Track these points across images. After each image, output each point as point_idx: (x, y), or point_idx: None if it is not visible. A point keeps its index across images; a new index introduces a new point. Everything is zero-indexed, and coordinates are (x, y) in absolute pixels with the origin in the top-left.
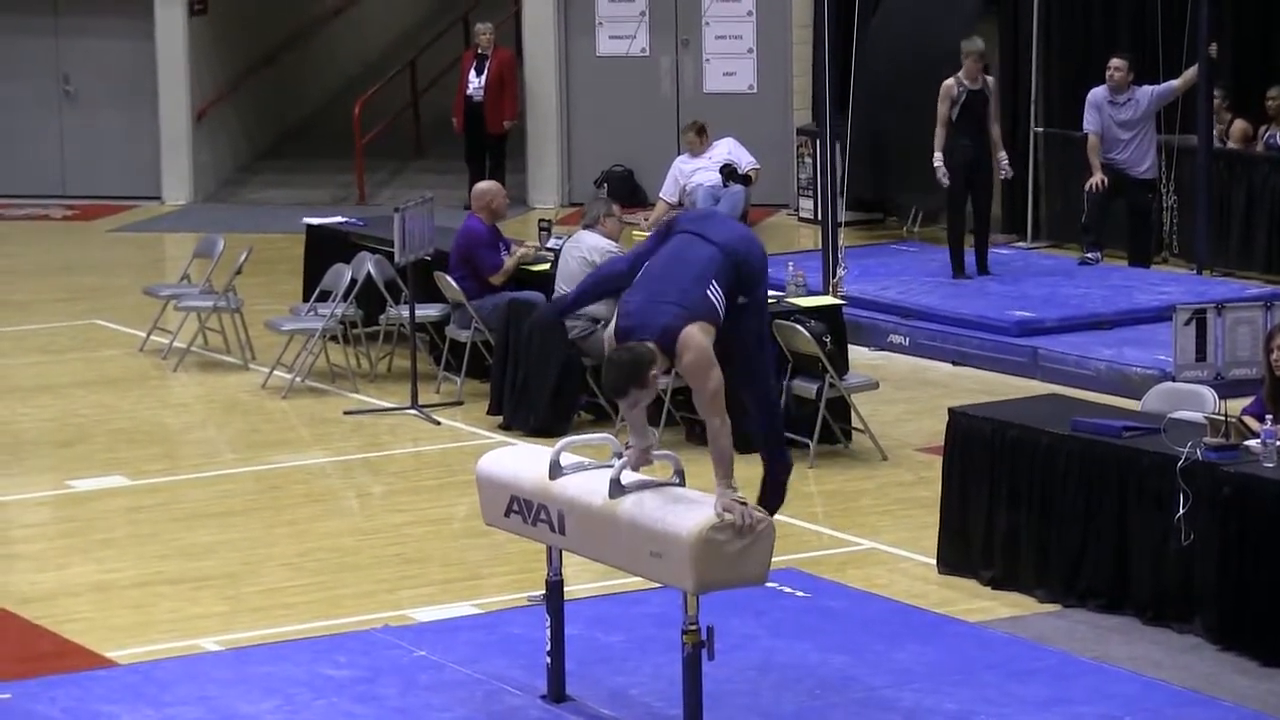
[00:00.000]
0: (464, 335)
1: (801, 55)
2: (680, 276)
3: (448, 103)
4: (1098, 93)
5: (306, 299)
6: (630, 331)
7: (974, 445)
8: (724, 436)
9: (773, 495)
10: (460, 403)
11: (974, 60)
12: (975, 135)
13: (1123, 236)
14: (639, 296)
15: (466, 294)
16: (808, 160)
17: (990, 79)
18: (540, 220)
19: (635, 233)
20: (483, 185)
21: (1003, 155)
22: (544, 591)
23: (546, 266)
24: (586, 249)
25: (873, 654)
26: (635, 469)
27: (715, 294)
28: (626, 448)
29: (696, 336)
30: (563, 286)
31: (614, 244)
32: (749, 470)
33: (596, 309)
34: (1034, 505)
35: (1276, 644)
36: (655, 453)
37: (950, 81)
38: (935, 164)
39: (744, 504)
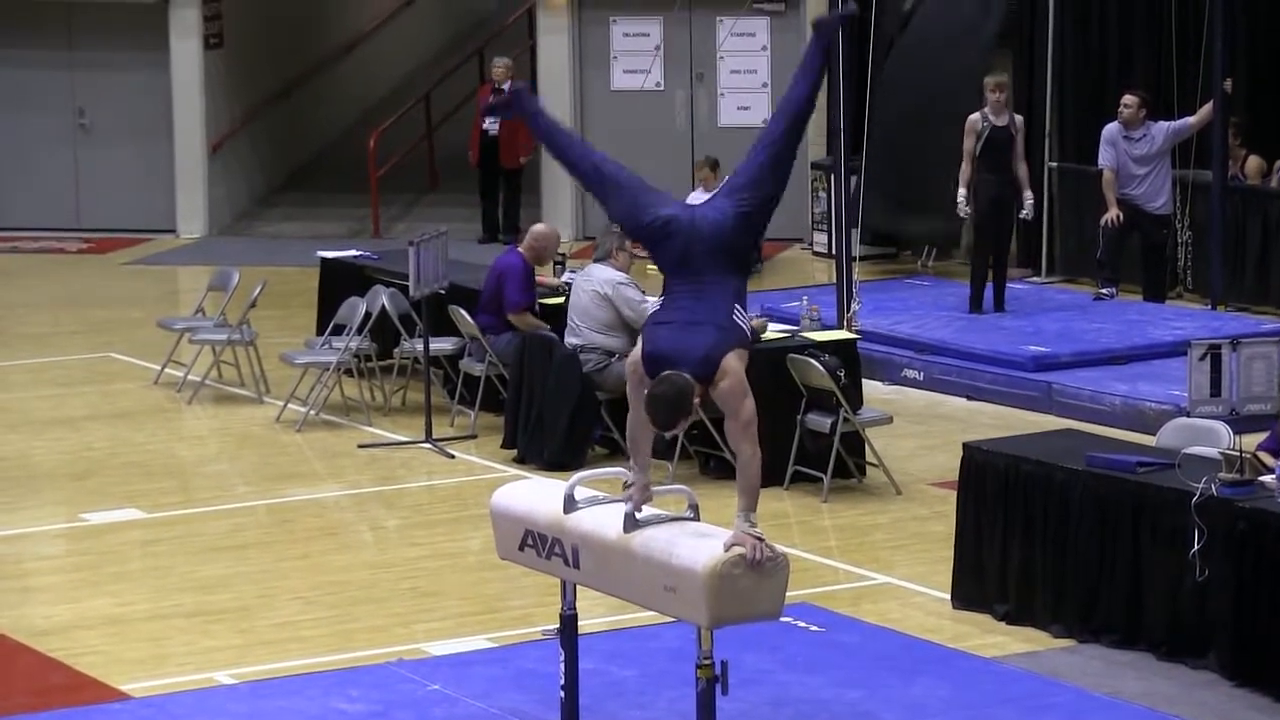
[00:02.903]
0: (478, 369)
1: None
2: (706, 306)
3: (462, 136)
4: (1113, 128)
5: (321, 332)
6: (664, 359)
7: (988, 480)
8: (754, 467)
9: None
10: (474, 436)
11: (994, 91)
12: (999, 171)
13: (1138, 271)
14: (667, 328)
15: (486, 328)
16: (822, 195)
17: (1019, 117)
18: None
19: (648, 267)
20: (544, 229)
21: (1028, 195)
22: (558, 625)
23: (561, 300)
24: (598, 282)
25: (887, 689)
26: (639, 506)
27: (740, 317)
28: (625, 486)
29: (734, 363)
30: (575, 320)
31: (625, 276)
32: (773, 504)
33: (610, 343)
34: (1048, 540)
35: None
36: (671, 487)
37: (975, 116)
38: (958, 199)
39: (760, 539)
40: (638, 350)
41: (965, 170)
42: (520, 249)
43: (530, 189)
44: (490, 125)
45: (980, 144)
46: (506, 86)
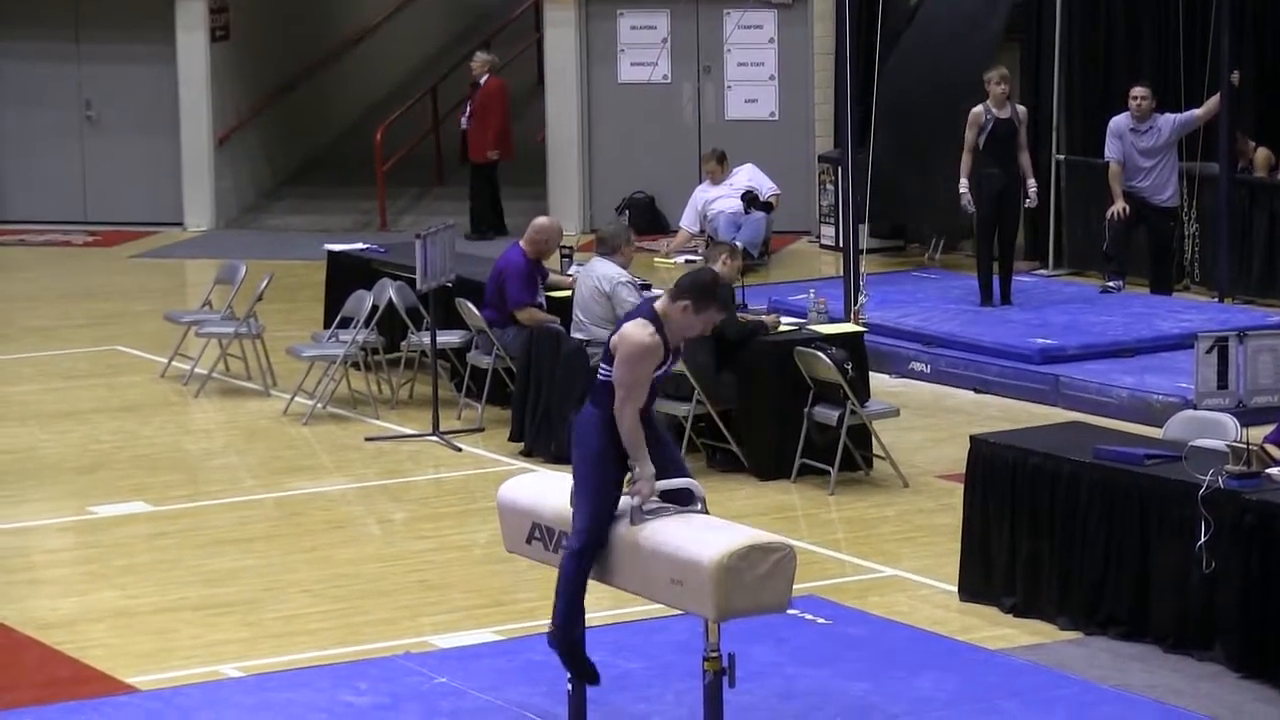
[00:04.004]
0: (485, 362)
1: (823, 82)
2: None
3: None
4: (1119, 121)
5: (328, 325)
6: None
7: (995, 473)
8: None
9: None
10: (481, 429)
11: (997, 84)
12: (1003, 164)
13: (1144, 264)
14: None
15: (493, 321)
16: (829, 187)
17: (1021, 108)
18: (562, 247)
19: (657, 260)
20: (545, 221)
21: (1031, 183)
22: None
23: (568, 293)
24: (598, 277)
25: (893, 681)
26: (646, 499)
27: None
28: (631, 480)
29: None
30: (579, 314)
31: (625, 275)
32: (780, 497)
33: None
34: (1055, 533)
35: None
36: (677, 480)
37: (979, 108)
38: (960, 190)
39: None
40: (651, 329)
41: (966, 162)
42: (521, 243)
43: (537, 183)
44: (465, 119)
45: (984, 137)
46: (483, 81)
